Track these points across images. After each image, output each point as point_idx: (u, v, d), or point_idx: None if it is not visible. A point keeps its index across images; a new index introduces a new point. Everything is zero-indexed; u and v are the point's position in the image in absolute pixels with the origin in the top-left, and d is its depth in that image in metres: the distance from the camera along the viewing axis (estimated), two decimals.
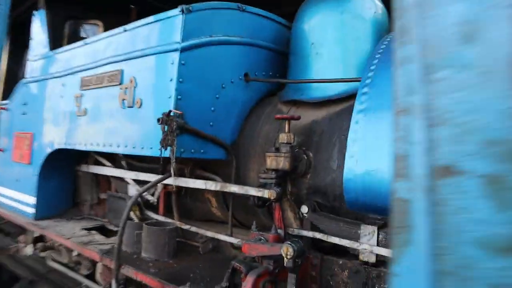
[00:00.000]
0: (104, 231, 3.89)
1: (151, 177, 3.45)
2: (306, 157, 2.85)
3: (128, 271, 2.88)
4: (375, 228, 2.46)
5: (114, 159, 4.10)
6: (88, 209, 4.38)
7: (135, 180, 3.73)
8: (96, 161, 4.22)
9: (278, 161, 2.74)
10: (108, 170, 3.89)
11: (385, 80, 2.21)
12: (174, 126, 2.62)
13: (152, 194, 3.58)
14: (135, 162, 3.84)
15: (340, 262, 2.59)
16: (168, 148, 2.68)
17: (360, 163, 2.08)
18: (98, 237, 3.64)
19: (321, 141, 2.85)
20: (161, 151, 2.63)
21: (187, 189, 3.58)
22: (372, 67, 2.33)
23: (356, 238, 2.53)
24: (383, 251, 2.38)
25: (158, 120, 2.62)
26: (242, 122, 3.29)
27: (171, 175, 3.14)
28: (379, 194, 2.04)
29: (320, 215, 2.70)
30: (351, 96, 2.88)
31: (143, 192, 3.08)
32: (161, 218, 3.50)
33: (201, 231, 3.31)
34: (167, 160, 3.53)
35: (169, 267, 2.90)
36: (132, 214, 3.41)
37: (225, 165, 3.27)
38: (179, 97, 2.75)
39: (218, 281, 2.63)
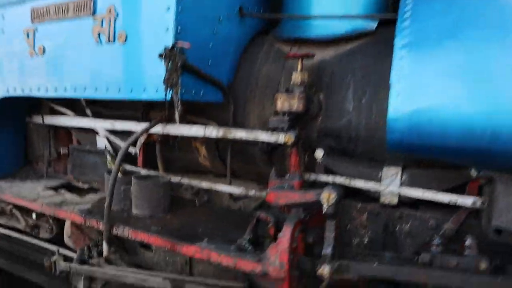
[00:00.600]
0: (72, 189, 3.42)
1: (132, 126, 3.03)
2: (317, 99, 2.66)
3: (124, 231, 2.55)
4: (399, 169, 2.41)
5: (73, 107, 3.54)
6: (45, 167, 3.80)
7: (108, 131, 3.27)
8: (52, 110, 3.63)
9: (291, 103, 2.52)
10: (75, 121, 3.36)
11: (427, 12, 2.06)
12: (178, 62, 2.24)
13: (134, 145, 3.17)
14: (104, 109, 3.35)
15: (359, 206, 2.53)
16: (170, 89, 2.31)
17: (408, 102, 1.94)
18: (69, 196, 3.18)
19: (333, 82, 2.66)
20: (166, 92, 2.26)
21: (171, 138, 3.23)
22: (408, 0, 2.16)
23: (377, 180, 2.46)
24: (410, 192, 2.34)
25: (161, 55, 2.21)
26: (237, 63, 2.97)
27: (162, 121, 2.79)
28: (428, 134, 1.93)
29: (335, 158, 2.58)
30: (358, 36, 2.71)
31: (134, 141, 2.69)
32: (143, 171, 3.13)
33: (195, 183, 3.03)
34: (148, 105, 3.15)
35: (170, 224, 2.62)
36: (108, 166, 3.00)
37: (219, 110, 2.97)
38: (178, 29, 2.35)
39: (231, 235, 2.44)
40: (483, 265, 1.92)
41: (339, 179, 2.49)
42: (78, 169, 3.50)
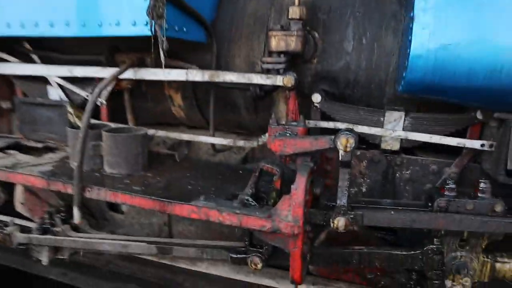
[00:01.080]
0: (23, 149, 2.92)
1: (96, 72, 2.58)
2: (312, 38, 2.40)
3: (99, 193, 2.19)
4: (402, 114, 2.27)
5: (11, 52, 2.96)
6: None
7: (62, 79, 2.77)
8: None
9: (288, 42, 2.26)
10: (21, 68, 2.79)
11: None
12: None
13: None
14: (56, 55, 2.83)
15: (358, 153, 2.39)
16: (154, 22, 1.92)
17: (435, 36, 1.75)
18: (22, 157, 2.70)
19: (331, 19, 2.42)
20: (151, 26, 1.87)
21: (141, 86, 2.84)
22: None
23: (379, 125, 2.32)
24: (416, 136, 2.23)
25: None
26: None
27: (134, 65, 2.40)
28: (453, 73, 1.78)
29: (333, 104, 2.38)
30: None
31: (104, 87, 2.27)
32: (111, 124, 2.72)
33: (174, 135, 2.70)
34: (114, 47, 2.70)
35: (153, 182, 2.30)
36: (70, 118, 2.56)
37: (199, 52, 2.62)
38: None
39: (225, 191, 2.20)
40: (499, 207, 1.88)
41: (341, 125, 2.30)
42: (28, 126, 2.98)
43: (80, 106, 2.83)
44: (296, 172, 1.88)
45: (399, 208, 2.02)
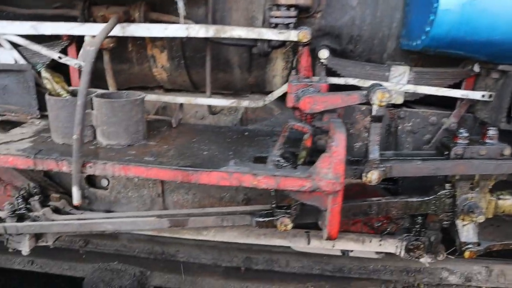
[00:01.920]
0: None
1: (72, 28, 2.21)
2: None
3: (106, 168, 1.94)
4: (407, 68, 2.34)
5: None
6: None
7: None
8: None
9: None
10: None
11: None
12: None
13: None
14: (12, 8, 2.36)
15: (363, 108, 2.42)
16: None
17: None
18: None
19: None
20: None
21: (120, 46, 2.52)
22: None
23: (384, 80, 2.36)
24: (422, 90, 2.31)
25: None
26: None
27: (121, 20, 2.11)
28: (477, 27, 1.84)
29: (339, 59, 2.35)
30: None
31: (98, 45, 1.94)
32: (96, 90, 2.38)
33: (167, 99, 2.47)
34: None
35: (162, 151, 2.09)
36: (48, 85, 2.17)
37: (191, 5, 2.36)
38: None
39: (245, 154, 2.10)
40: (507, 151, 2.06)
41: (352, 81, 2.29)
42: None
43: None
44: (333, 128, 1.84)
45: (424, 158, 2.11)
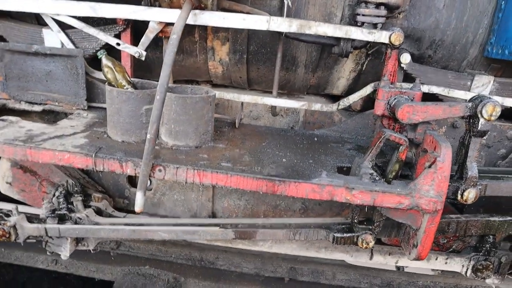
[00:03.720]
0: (15, 114, 2.19)
1: (132, 13, 1.99)
2: None
3: (179, 174, 1.73)
4: (491, 79, 2.19)
5: None
6: None
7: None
8: None
9: None
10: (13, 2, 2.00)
11: None
12: None
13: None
14: None
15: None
16: None
17: None
18: (29, 125, 2.00)
19: None
20: None
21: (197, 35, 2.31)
22: None
23: (465, 90, 2.22)
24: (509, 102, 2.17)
25: None
26: None
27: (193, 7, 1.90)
28: None
29: (419, 65, 2.20)
30: None
31: (180, 32, 1.71)
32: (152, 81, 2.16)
33: (230, 96, 2.27)
34: None
35: (236, 156, 1.89)
36: (109, 75, 1.93)
37: None
38: None
39: (326, 163, 1.92)
40: None
41: (437, 89, 2.14)
42: (18, 80, 2.22)
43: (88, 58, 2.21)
44: (438, 142, 1.67)
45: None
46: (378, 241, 2.30)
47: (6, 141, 1.80)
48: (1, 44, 2.17)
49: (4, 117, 2.05)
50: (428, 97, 2.17)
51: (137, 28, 2.21)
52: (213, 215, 2.51)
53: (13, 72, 2.21)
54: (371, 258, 2.36)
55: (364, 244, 1.90)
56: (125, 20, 2.14)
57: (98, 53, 1.92)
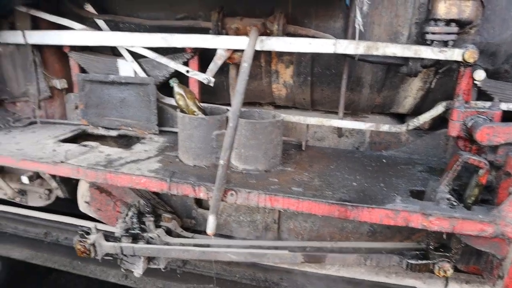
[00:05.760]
0: (93, 139, 2.35)
1: (201, 42, 2.07)
2: (481, 3, 2.05)
3: (251, 198, 1.76)
4: None
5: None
6: (30, 109, 2.54)
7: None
8: (34, 21, 2.34)
9: (461, 7, 1.89)
10: (95, 37, 2.16)
11: None
12: None
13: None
14: (137, 19, 2.25)
15: None
16: None
17: None
18: (107, 150, 2.15)
19: None
20: None
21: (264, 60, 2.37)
22: None
23: None
24: None
25: None
26: None
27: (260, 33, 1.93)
28: None
29: (496, 82, 2.08)
30: None
31: (251, 60, 1.75)
32: (222, 107, 2.22)
33: (295, 119, 2.28)
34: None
35: (306, 180, 1.89)
36: (180, 102, 2.02)
37: (326, 19, 2.17)
38: None
39: (397, 187, 1.85)
40: None
41: None
42: (96, 109, 2.39)
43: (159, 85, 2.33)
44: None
45: None
46: (454, 268, 2.18)
47: (89, 165, 1.93)
48: (83, 76, 2.35)
49: (86, 143, 2.20)
50: (507, 115, 2.05)
51: (203, 55, 2.30)
52: (279, 236, 2.51)
53: (92, 100, 2.38)
54: (446, 285, 2.23)
55: (441, 272, 1.81)
56: (194, 48, 2.24)
57: (170, 82, 2.01)
